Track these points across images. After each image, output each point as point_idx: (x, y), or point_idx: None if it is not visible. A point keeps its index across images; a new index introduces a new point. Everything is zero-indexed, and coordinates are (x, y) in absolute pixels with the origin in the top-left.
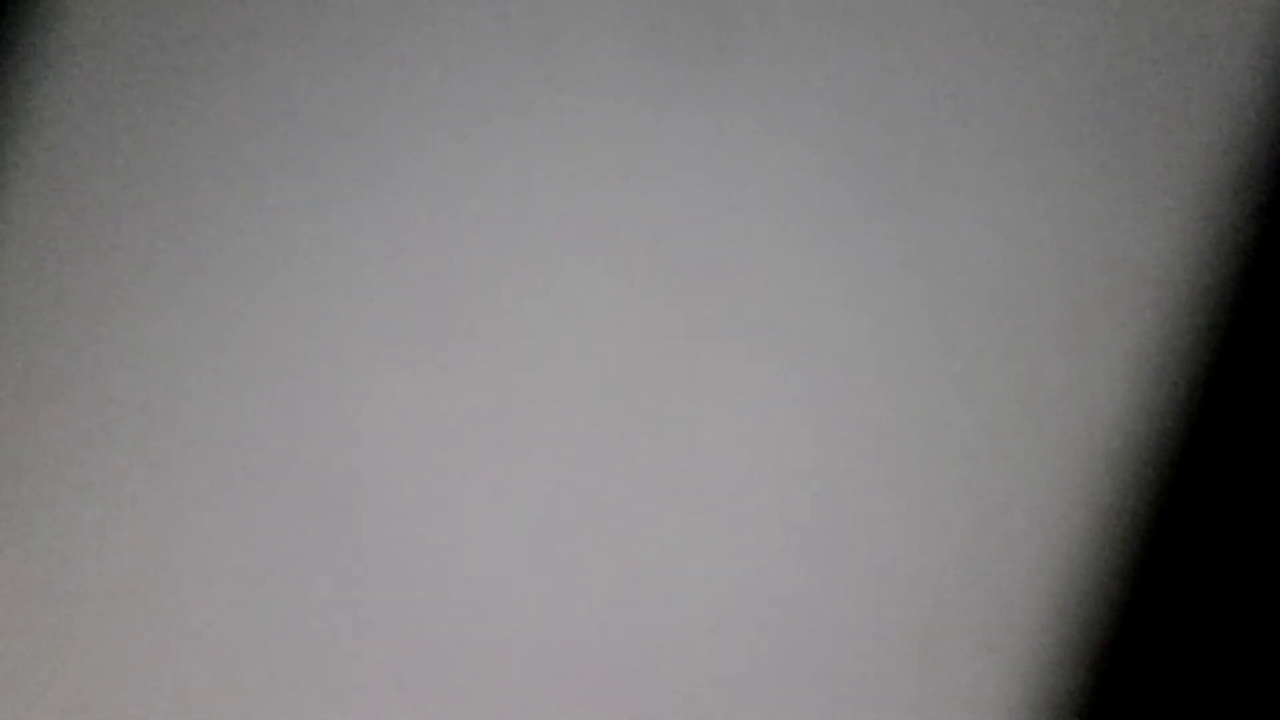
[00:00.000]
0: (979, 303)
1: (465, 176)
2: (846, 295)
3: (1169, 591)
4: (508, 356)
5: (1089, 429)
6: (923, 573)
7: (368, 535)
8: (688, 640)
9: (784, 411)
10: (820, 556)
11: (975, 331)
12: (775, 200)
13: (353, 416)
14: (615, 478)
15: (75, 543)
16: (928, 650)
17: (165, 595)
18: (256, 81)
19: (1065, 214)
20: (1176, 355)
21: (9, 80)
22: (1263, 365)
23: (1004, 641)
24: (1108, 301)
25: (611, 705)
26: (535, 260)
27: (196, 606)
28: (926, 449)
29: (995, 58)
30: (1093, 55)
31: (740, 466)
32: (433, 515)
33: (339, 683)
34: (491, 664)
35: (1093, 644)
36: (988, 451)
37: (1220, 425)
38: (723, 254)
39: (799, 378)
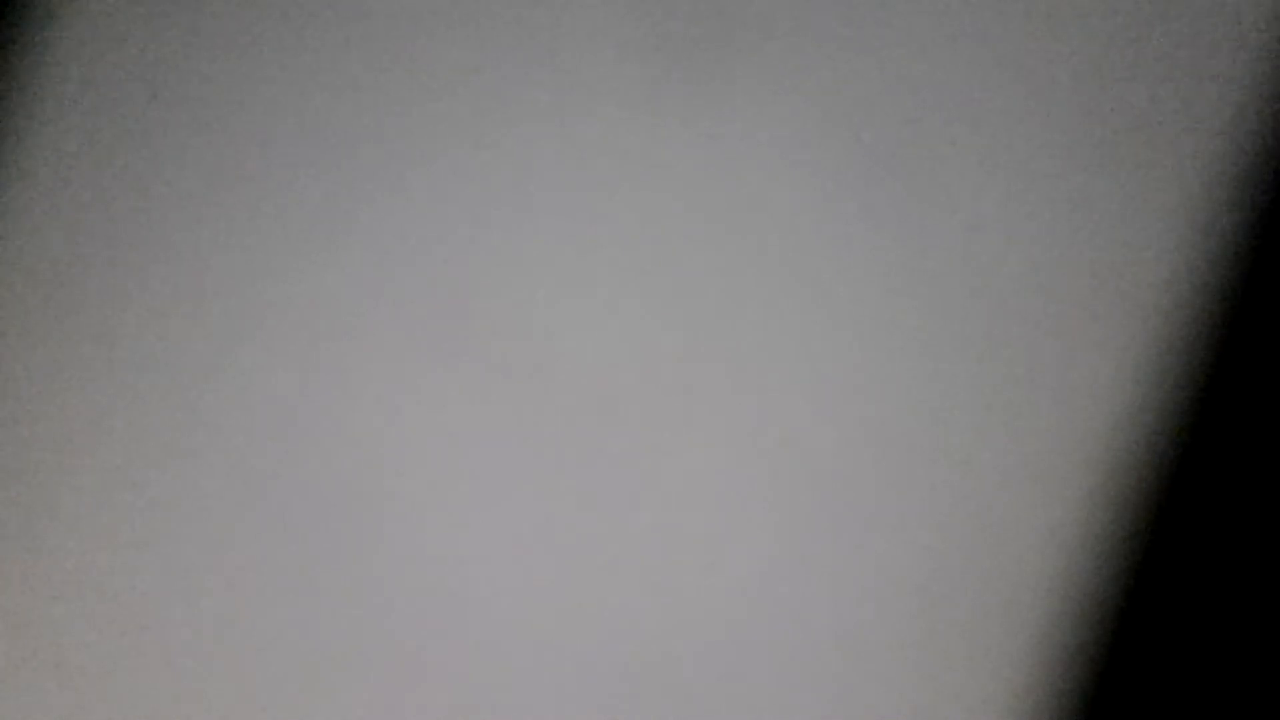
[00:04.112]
0: (978, 303)
1: (465, 179)
2: (846, 296)
3: (1169, 591)
4: (507, 359)
5: (1089, 429)
6: (923, 573)
7: (370, 537)
8: (687, 641)
9: (783, 412)
10: (821, 557)
11: (974, 332)
12: (774, 202)
13: (355, 418)
14: (616, 478)
15: (75, 543)
16: (928, 650)
17: (167, 594)
18: (257, 84)
19: (1065, 215)
20: (1176, 355)
21: (9, 80)
22: (1263, 365)
23: (1004, 641)
24: (1107, 301)
25: (612, 705)
26: (534, 262)
27: (198, 606)
28: (926, 449)
29: (994, 59)
30: (1092, 55)
31: (740, 467)
32: (436, 517)
33: (340, 682)
34: (492, 665)
35: (1093, 644)
36: (987, 452)
37: (1220, 425)
38: (722, 256)
39: (798, 379)
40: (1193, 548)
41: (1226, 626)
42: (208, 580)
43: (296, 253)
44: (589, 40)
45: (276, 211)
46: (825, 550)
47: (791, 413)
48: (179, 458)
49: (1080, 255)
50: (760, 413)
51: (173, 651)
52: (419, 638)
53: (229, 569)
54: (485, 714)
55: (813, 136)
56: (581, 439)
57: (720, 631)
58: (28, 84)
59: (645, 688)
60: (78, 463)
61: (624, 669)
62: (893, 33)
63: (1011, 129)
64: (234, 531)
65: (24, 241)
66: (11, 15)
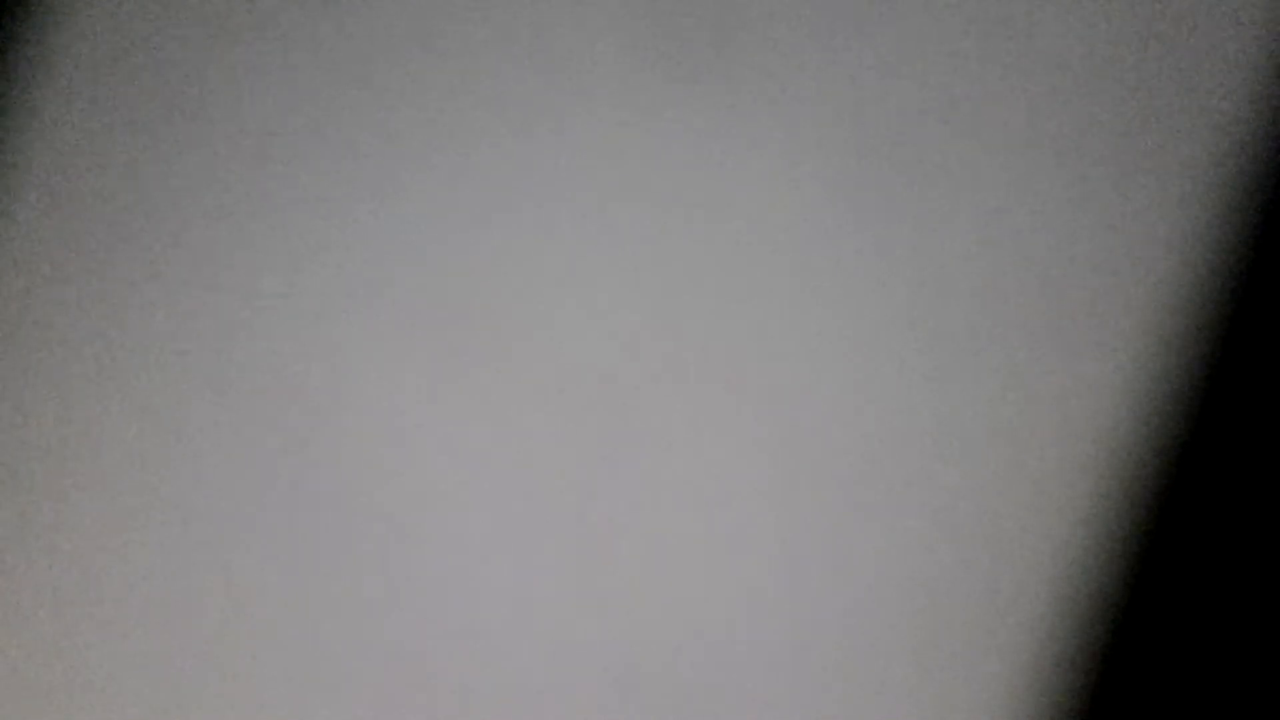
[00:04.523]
0: (978, 303)
1: (466, 180)
2: (847, 296)
3: (1169, 591)
4: (507, 359)
5: (1089, 429)
6: (923, 573)
7: (370, 537)
8: (687, 642)
9: (784, 412)
10: (821, 556)
11: (975, 332)
12: (774, 202)
13: (354, 418)
14: (616, 478)
15: (74, 544)
16: (928, 650)
17: (166, 596)
18: (257, 84)
19: (1065, 215)
20: (1176, 355)
21: (9, 80)
22: (1263, 365)
23: (1004, 641)
24: (1108, 301)
25: (612, 707)
26: (534, 263)
27: (198, 607)
28: (927, 449)
29: (992, 59)
30: (1091, 55)
31: (740, 468)
32: (435, 518)
33: (340, 682)
34: (492, 665)
35: (1093, 644)
36: (987, 452)
37: (1220, 425)
38: (722, 256)
39: (799, 379)
40: (1193, 548)
41: (1226, 626)
42: (206, 581)
43: (297, 253)
44: (589, 40)
45: (277, 211)
46: (825, 550)
47: (792, 413)
48: (178, 458)
49: (1080, 255)
50: (761, 412)
51: (172, 653)
52: (418, 638)
53: (228, 569)
54: (485, 714)
55: (813, 137)
56: (582, 439)
57: (720, 632)
58: (28, 84)
59: (645, 688)
60: (77, 464)
61: (624, 669)
62: (892, 33)
63: (1012, 129)
64: (233, 531)
65: (24, 241)
66: (11, 15)
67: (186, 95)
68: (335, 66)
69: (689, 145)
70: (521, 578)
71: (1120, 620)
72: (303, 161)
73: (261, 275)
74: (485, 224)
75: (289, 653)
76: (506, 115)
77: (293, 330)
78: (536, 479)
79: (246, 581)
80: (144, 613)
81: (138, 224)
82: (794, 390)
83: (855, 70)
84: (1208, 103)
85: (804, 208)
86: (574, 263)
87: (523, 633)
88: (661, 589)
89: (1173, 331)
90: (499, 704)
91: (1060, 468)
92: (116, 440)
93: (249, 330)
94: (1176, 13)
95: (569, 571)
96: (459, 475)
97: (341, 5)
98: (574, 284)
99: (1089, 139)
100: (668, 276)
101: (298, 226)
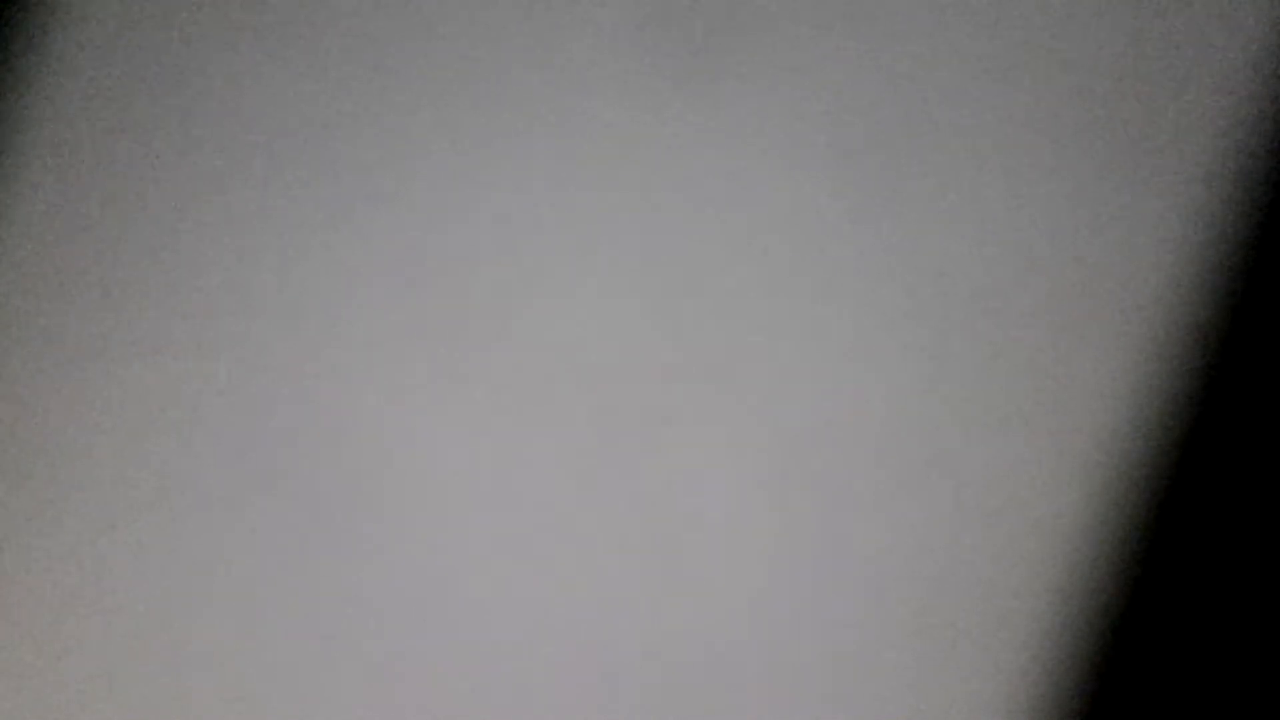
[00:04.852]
0: (979, 303)
1: (466, 177)
2: (847, 296)
3: (1169, 591)
4: (507, 358)
5: (1089, 429)
6: (923, 573)
7: (368, 539)
8: (686, 641)
9: (783, 412)
10: (820, 556)
11: (975, 332)
12: (775, 202)
13: (352, 419)
14: (616, 478)
15: (74, 544)
16: (928, 652)
17: (165, 595)
18: (257, 82)
19: (1065, 215)
20: (1177, 355)
21: (9, 80)
22: (1263, 365)
23: (1004, 643)
24: (1107, 301)
25: (612, 706)
26: (534, 261)
27: (196, 607)
28: (925, 449)
29: (994, 60)
30: (1093, 56)
31: (740, 467)
32: (434, 520)
33: (340, 684)
34: (490, 667)
35: (1093, 645)
36: (986, 452)
37: (1220, 425)
38: (722, 256)
39: (798, 379)
40: (1193, 548)
41: (1227, 626)
42: (206, 581)
43: (297, 252)
44: (590, 40)
45: (277, 211)
46: (825, 548)
47: (792, 411)
48: (178, 458)
49: (1080, 255)
50: (760, 411)
51: (172, 653)
52: (417, 637)
53: (228, 569)
54: (484, 713)
55: (814, 136)
56: (581, 439)
57: (719, 631)
58: (28, 84)
59: (645, 687)
60: (77, 463)
61: (625, 668)
62: (894, 32)
63: (1013, 129)
64: (233, 531)
65: (24, 241)
66: (11, 15)
67: (186, 95)
68: (335, 66)
69: (690, 144)
70: (521, 576)
71: (1120, 620)
72: (303, 161)
73: (261, 275)
74: (486, 224)
75: (289, 652)
76: (507, 115)
77: (292, 330)
78: (536, 478)
79: (247, 581)
80: (144, 612)
81: (138, 224)
82: (794, 389)
83: (857, 70)
84: (1208, 103)
85: (804, 207)
86: (574, 262)
87: (522, 632)
88: (661, 588)
89: (1173, 331)
90: (499, 703)
91: (1060, 467)
92: (116, 440)
93: (249, 330)
94: (1177, 12)
95: (569, 570)
96: (459, 475)
97: (342, 5)
98: (574, 284)
99: (1089, 139)
100: (668, 276)
101: (298, 226)
